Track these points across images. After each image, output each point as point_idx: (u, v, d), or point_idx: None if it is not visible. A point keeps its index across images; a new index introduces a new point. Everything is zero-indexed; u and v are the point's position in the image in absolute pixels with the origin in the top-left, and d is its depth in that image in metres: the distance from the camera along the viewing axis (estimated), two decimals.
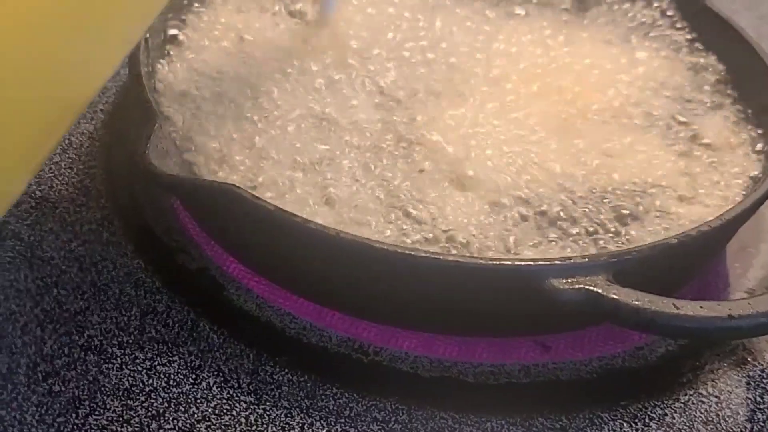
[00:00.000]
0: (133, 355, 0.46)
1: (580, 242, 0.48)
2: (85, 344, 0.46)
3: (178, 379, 0.45)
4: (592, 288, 0.43)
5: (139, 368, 0.46)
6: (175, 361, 0.46)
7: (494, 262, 0.44)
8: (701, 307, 0.43)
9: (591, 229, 0.49)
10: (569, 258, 0.44)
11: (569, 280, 0.43)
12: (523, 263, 0.44)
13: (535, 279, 0.43)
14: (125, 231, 0.53)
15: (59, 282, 0.49)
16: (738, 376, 0.48)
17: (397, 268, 0.44)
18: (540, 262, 0.44)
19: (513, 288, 0.44)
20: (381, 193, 0.50)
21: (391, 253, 0.43)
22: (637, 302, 0.42)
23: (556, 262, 0.44)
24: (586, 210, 0.50)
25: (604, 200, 0.51)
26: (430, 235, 0.48)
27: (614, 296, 0.42)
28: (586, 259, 0.44)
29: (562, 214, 0.50)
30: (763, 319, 0.43)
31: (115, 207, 0.54)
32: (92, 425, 0.43)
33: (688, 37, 0.63)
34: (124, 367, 0.46)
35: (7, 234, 0.51)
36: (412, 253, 0.43)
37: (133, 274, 0.50)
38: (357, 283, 0.46)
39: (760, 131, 0.56)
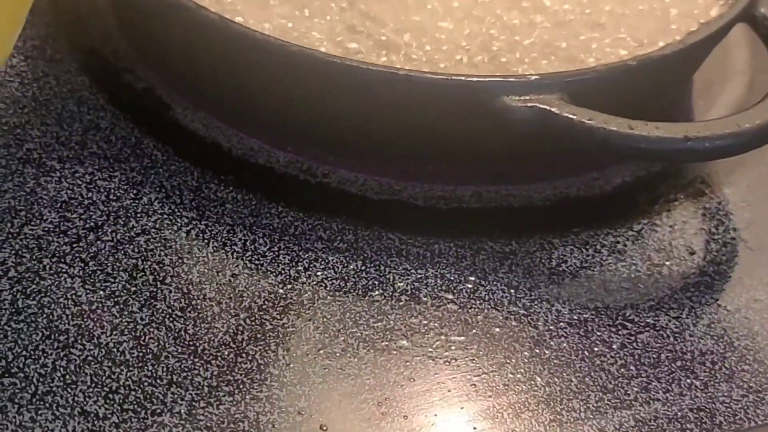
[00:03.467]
0: (73, 170, 0.45)
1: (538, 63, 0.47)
2: (24, 157, 0.45)
3: (118, 194, 0.44)
4: (546, 107, 0.41)
5: (79, 182, 0.44)
6: (116, 176, 0.45)
7: (445, 77, 0.42)
8: (657, 128, 0.41)
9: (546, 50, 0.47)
10: (523, 75, 0.42)
11: (523, 98, 0.41)
12: (474, 78, 0.42)
13: (488, 95, 0.42)
14: (70, 49, 0.51)
15: None
16: (694, 207, 0.47)
17: (345, 81, 0.42)
18: (493, 78, 0.42)
19: (465, 106, 0.42)
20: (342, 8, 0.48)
21: (337, 64, 0.41)
22: (591, 121, 0.41)
23: (510, 78, 0.42)
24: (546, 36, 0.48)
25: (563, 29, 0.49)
26: (384, 38, 0.46)
27: (568, 115, 0.41)
28: (541, 77, 0.42)
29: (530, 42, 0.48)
30: (719, 141, 0.41)
31: (60, 26, 0.52)
32: (27, 234, 0.42)
33: None
34: (63, 180, 0.44)
35: None
36: (361, 65, 0.42)
37: (76, 91, 0.48)
38: (305, 101, 0.44)
39: None
